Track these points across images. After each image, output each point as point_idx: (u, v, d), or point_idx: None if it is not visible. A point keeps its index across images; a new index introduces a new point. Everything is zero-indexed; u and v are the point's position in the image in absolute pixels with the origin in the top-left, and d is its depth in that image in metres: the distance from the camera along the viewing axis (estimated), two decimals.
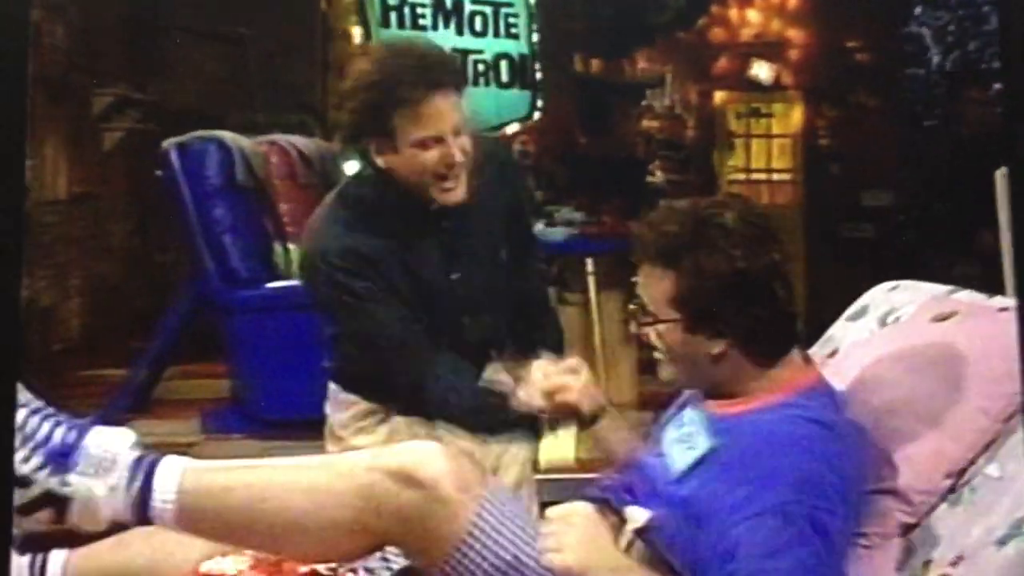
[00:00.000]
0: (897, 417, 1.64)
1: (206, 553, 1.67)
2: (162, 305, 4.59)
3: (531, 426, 2.12)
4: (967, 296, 1.88)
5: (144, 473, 1.52)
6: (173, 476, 1.53)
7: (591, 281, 4.48)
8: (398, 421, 2.16)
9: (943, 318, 1.79)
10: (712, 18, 6.84)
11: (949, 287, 1.94)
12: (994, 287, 1.92)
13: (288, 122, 5.30)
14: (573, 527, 1.54)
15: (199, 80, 6.01)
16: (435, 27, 4.66)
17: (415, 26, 4.67)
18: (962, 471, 1.59)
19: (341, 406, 2.23)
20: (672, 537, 1.55)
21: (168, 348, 4.47)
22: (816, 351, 1.95)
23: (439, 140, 1.98)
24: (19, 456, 1.46)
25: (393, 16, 4.94)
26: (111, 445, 1.53)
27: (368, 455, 1.64)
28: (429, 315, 2.09)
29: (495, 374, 1.93)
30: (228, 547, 1.67)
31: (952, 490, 1.58)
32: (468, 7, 4.67)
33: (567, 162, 6.59)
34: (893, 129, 6.78)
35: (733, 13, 6.84)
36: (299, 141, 4.78)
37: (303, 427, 2.46)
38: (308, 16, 6.10)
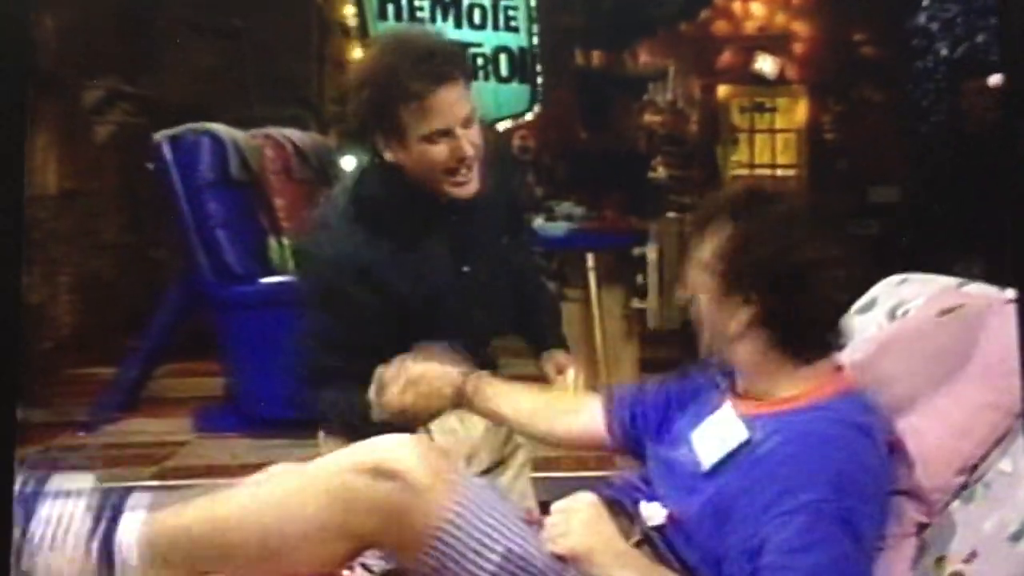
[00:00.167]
0: (907, 413, 1.62)
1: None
2: (154, 302, 4.54)
3: None
4: (977, 289, 1.85)
5: (101, 538, 1.51)
6: (131, 534, 1.51)
7: (591, 277, 4.45)
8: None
9: (952, 311, 1.76)
10: (715, 11, 6.81)
11: (959, 279, 1.92)
12: (1001, 283, 1.87)
13: (283, 116, 5.24)
14: (577, 513, 1.55)
15: (192, 73, 5.96)
16: (433, 19, 4.65)
17: (412, 18, 4.65)
18: (974, 467, 1.58)
19: None
20: (694, 532, 1.53)
21: (160, 345, 4.44)
22: None
23: (448, 133, 1.93)
24: None
25: (390, 8, 4.90)
26: (64, 510, 1.51)
27: (335, 456, 1.63)
28: (436, 312, 2.05)
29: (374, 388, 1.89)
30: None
31: (965, 486, 1.58)
32: None
33: (567, 157, 6.60)
34: (899, 124, 6.74)
35: (737, 6, 6.82)
36: (295, 135, 4.75)
37: (297, 426, 2.38)
38: (303, 8, 6.06)
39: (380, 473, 1.52)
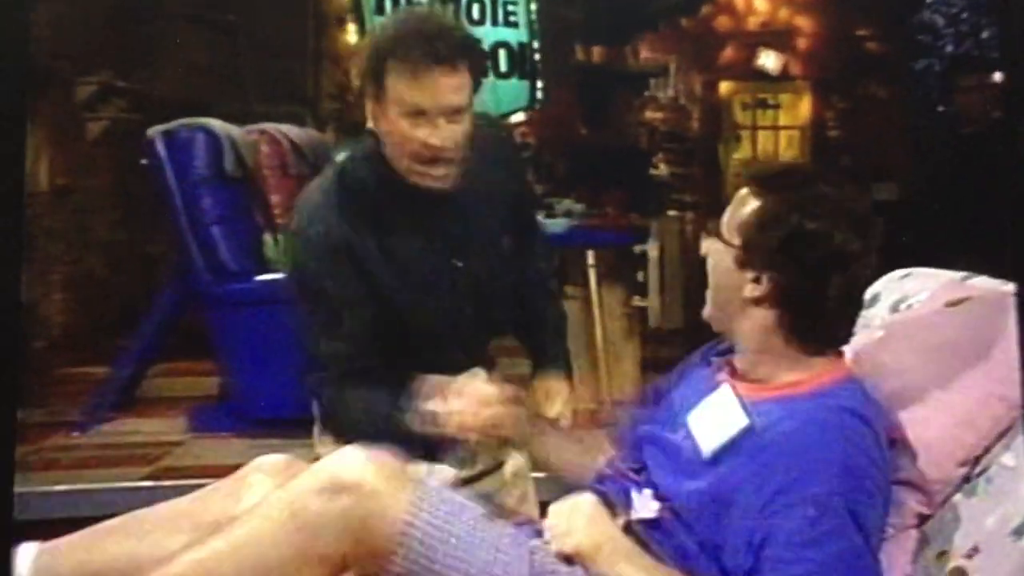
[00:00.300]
0: (910, 405, 1.63)
1: (186, 544, 1.61)
2: (148, 300, 4.52)
3: None
4: (981, 282, 1.85)
5: None
6: None
7: (592, 274, 4.42)
8: None
9: (959, 303, 1.77)
10: (718, 6, 6.78)
11: (963, 273, 1.91)
12: (1003, 279, 1.87)
13: (279, 112, 5.21)
14: (580, 512, 1.56)
15: (187, 68, 5.94)
16: None
17: None
18: (977, 460, 1.58)
19: None
20: (694, 519, 1.52)
21: (154, 344, 4.41)
22: None
23: (427, 115, 1.89)
24: None
25: (387, 3, 4.87)
26: None
27: (295, 483, 1.61)
28: (425, 303, 2.03)
29: (427, 397, 1.81)
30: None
31: (967, 480, 1.58)
32: None
33: (568, 153, 6.57)
34: (904, 120, 6.70)
35: (739, 1, 6.77)
36: (291, 131, 4.73)
37: (292, 426, 2.40)
38: (300, 3, 6.04)
39: (334, 490, 1.53)
